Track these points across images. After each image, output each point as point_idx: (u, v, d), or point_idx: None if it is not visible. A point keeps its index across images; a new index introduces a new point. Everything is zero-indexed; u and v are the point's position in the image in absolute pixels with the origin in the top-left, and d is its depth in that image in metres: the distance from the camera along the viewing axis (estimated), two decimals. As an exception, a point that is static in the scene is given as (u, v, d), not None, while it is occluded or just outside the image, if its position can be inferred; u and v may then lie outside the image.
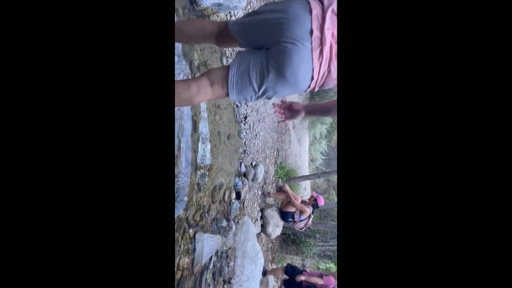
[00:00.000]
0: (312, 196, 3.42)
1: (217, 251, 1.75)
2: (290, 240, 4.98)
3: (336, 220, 5.96)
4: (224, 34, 0.89)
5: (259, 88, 0.79)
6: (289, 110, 1.00)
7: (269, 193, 3.56)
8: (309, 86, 0.79)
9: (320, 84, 0.81)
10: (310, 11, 0.72)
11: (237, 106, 2.35)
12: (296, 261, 5.67)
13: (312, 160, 12.78)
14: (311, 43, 0.72)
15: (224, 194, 1.98)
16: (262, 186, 3.42)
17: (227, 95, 0.83)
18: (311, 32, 0.71)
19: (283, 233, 4.74)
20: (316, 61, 0.74)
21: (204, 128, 1.69)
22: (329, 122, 9.43)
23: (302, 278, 2.95)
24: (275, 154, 4.44)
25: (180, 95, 0.81)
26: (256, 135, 3.05)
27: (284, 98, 1.03)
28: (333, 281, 2.98)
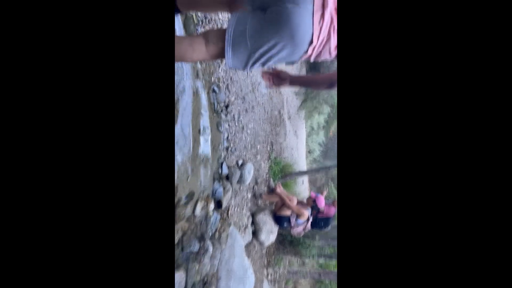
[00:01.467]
0: (310, 197, 2.95)
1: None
2: (287, 241, 4.56)
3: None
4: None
5: (256, 50, 0.76)
6: (277, 77, 0.98)
7: (261, 194, 3.09)
8: (306, 52, 0.76)
9: (318, 53, 0.78)
10: None
11: (214, 91, 1.85)
12: (295, 261, 5.28)
13: (309, 151, 12.40)
14: (313, 4, 0.71)
15: (195, 207, 1.50)
16: (253, 187, 2.95)
17: (223, 55, 0.80)
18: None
19: (279, 234, 4.34)
20: (316, 24, 0.72)
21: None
22: (327, 111, 8.92)
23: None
24: (269, 149, 3.95)
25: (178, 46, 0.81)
26: (243, 128, 2.55)
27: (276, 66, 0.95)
28: (333, 211, 2.83)
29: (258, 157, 3.19)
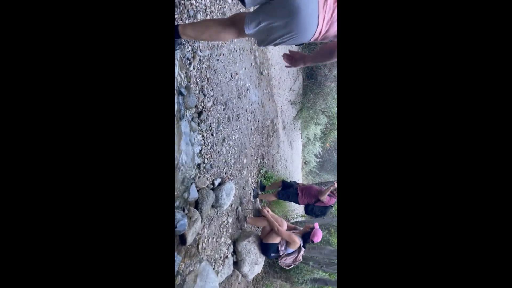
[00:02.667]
0: (307, 225, 2.52)
1: None
2: (277, 265, 4.10)
3: (335, 244, 5.07)
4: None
5: (269, 35, 0.91)
6: (295, 59, 1.12)
7: (245, 217, 2.64)
8: (314, 34, 0.87)
9: (324, 33, 0.88)
10: None
11: (180, 93, 1.44)
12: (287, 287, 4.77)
13: (305, 163, 12.04)
14: None
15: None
16: (237, 209, 2.52)
17: (245, 34, 1.01)
18: None
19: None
20: (321, 8, 0.82)
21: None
22: (323, 122, 8.56)
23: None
24: (259, 162, 3.54)
25: (210, 28, 1.05)
26: (223, 140, 2.14)
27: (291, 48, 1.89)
28: (333, 201, 2.82)
29: (244, 172, 2.77)
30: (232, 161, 2.36)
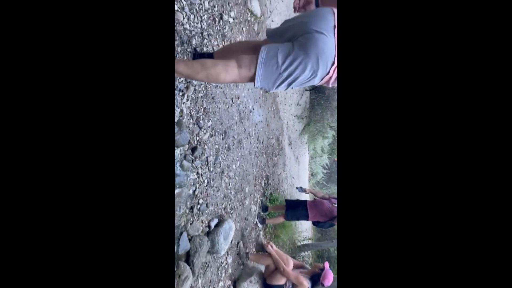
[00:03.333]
0: (316, 265, 2.27)
1: None
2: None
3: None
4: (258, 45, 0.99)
5: (286, 70, 0.89)
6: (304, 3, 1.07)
7: (247, 254, 2.41)
8: (328, 73, 0.90)
9: (336, 76, 0.92)
10: (333, 13, 0.88)
11: (169, 132, 1.25)
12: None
13: (312, 174, 11.76)
14: (334, 34, 0.86)
15: None
16: (238, 243, 2.29)
17: (252, 79, 0.94)
18: (334, 26, 0.86)
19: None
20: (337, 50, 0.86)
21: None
22: (331, 135, 8.31)
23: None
24: (263, 185, 3.32)
25: (209, 69, 0.94)
26: (222, 172, 1.94)
27: None
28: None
29: (247, 201, 2.55)
30: (233, 193, 2.15)
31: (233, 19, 2.13)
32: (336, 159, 9.59)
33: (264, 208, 3.05)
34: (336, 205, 2.77)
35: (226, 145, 2.01)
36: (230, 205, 2.10)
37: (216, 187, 1.83)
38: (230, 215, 2.07)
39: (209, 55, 1.33)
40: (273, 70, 0.89)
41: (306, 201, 2.95)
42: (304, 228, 5.91)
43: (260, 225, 2.88)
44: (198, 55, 1.37)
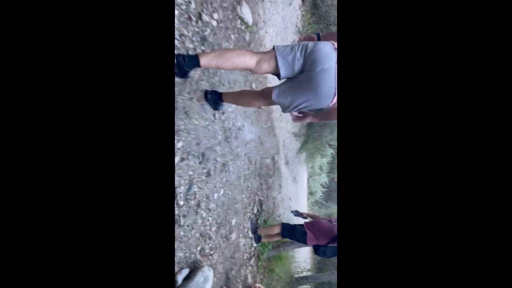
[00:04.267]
0: None
1: None
2: None
3: None
4: (262, 67, 1.16)
5: (293, 102, 1.13)
6: (303, 117, 1.34)
7: (231, 304, 1.96)
8: (332, 101, 1.04)
9: None
10: (335, 48, 1.03)
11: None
12: None
13: (311, 193, 11.33)
14: (335, 67, 1.00)
15: None
16: (220, 290, 1.85)
17: (273, 103, 1.23)
18: (336, 62, 1.01)
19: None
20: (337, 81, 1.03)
21: None
22: (329, 153, 7.97)
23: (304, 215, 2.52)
24: (256, 211, 2.91)
25: (243, 97, 1.42)
26: (198, 205, 1.55)
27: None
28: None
29: (233, 236, 2.13)
30: (213, 229, 1.75)
31: (217, 22, 1.83)
32: (335, 179, 9.17)
33: (258, 239, 2.68)
34: (336, 223, 2.44)
35: (204, 171, 1.63)
36: (210, 244, 1.69)
37: (188, 226, 1.44)
38: (209, 258, 1.66)
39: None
40: (285, 101, 1.15)
41: (301, 213, 2.78)
42: (303, 259, 5.40)
43: (255, 244, 2.60)
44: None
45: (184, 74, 1.20)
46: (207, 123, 1.67)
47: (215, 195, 1.77)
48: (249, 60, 1.11)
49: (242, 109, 2.46)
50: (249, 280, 2.36)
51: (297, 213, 2.96)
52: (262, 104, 1.32)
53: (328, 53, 1.00)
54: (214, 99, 1.54)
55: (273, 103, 1.20)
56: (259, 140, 3.28)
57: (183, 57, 1.10)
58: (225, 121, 1.93)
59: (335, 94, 1.00)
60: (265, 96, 1.26)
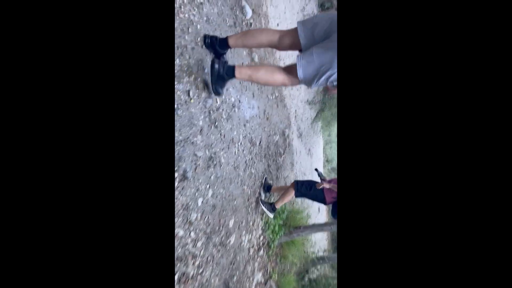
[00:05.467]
0: None
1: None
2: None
3: None
4: (285, 40, 1.14)
5: (321, 65, 1.00)
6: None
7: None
8: None
9: None
10: None
11: None
12: None
13: (327, 160, 10.92)
14: None
15: None
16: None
17: (298, 83, 1.14)
18: None
19: None
20: None
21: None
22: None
23: (326, 186, 2.20)
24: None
25: (272, 75, 1.15)
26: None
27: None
28: None
29: (232, 239, 1.75)
30: (200, 243, 1.34)
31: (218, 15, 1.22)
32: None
33: (268, 188, 2.48)
34: None
35: (180, 173, 1.18)
36: (197, 263, 1.31)
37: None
38: (194, 281, 1.29)
39: (222, 41, 1.27)
40: (312, 65, 1.03)
41: (321, 174, 2.49)
42: (318, 238, 5.12)
43: (263, 194, 2.38)
44: (209, 38, 1.28)
45: (218, 55, 1.25)
46: (178, 105, 1.17)
47: (199, 201, 1.34)
48: (272, 36, 1.13)
49: (237, 80, 1.91)
50: (259, 274, 2.03)
51: (319, 173, 2.52)
52: (286, 81, 1.15)
53: None
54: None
55: (298, 81, 1.11)
56: (265, 115, 2.75)
57: (215, 38, 1.23)
58: (208, 99, 1.41)
59: None
60: (289, 71, 1.12)
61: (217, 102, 1.57)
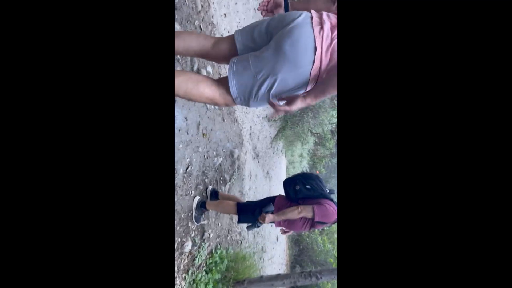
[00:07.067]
0: None
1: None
2: None
3: None
4: (221, 46, 0.93)
5: (259, 72, 0.78)
6: (284, 104, 0.89)
7: None
8: (314, 63, 0.74)
9: (326, 64, 0.76)
10: (311, 17, 0.77)
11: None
12: None
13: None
14: (311, 21, 0.75)
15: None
16: None
17: (233, 101, 0.87)
18: (311, 18, 0.76)
19: None
20: (317, 33, 0.73)
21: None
22: (312, 141, 6.84)
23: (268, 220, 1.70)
24: (194, 242, 1.72)
25: (197, 86, 0.88)
26: None
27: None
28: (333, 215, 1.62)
29: None
30: None
31: None
32: (318, 172, 8.14)
33: (202, 204, 1.88)
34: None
35: None
36: None
37: None
38: None
39: None
40: (246, 73, 0.80)
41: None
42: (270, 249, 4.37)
43: (196, 223, 1.85)
44: None
45: None
46: None
47: None
48: (204, 41, 0.94)
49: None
50: None
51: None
52: (217, 96, 0.86)
53: (297, 13, 0.78)
54: None
55: (231, 98, 0.84)
56: (199, 131, 2.02)
57: None
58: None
59: (316, 48, 0.72)
60: (221, 84, 0.86)
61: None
